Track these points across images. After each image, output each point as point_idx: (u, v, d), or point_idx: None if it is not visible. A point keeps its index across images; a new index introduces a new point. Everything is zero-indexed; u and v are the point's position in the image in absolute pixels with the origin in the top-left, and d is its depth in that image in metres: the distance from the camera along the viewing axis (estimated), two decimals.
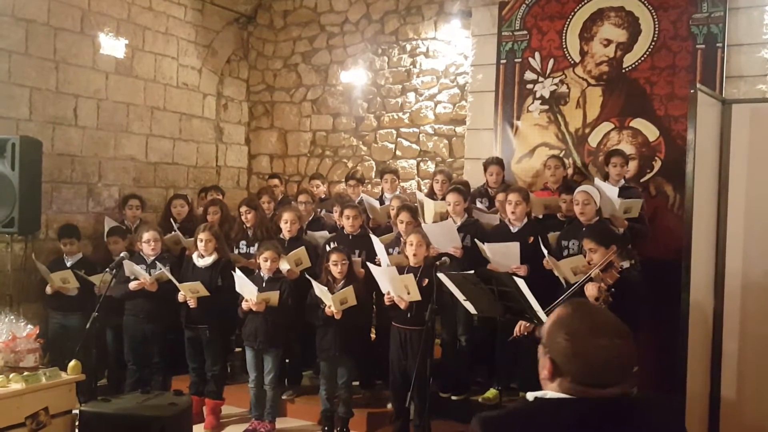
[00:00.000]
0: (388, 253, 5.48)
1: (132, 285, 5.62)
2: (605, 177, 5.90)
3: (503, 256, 5.13)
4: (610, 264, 4.13)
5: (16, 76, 6.17)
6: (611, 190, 5.42)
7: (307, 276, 5.33)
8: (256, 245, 5.83)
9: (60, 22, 6.53)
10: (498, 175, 6.27)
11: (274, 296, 5.31)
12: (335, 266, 5.24)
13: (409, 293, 4.84)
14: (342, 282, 5.24)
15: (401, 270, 5.11)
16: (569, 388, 1.64)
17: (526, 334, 4.26)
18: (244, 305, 5.33)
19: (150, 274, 5.62)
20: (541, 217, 5.80)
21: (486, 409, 5.34)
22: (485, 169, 6.32)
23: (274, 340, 5.41)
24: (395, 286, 4.90)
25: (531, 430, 1.66)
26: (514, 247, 5.08)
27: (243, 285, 5.30)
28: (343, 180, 7.55)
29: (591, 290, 4.00)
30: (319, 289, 5.12)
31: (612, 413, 1.63)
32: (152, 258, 5.78)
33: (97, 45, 6.88)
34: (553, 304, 3.92)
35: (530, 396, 1.71)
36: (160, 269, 5.62)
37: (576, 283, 4.31)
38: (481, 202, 6.28)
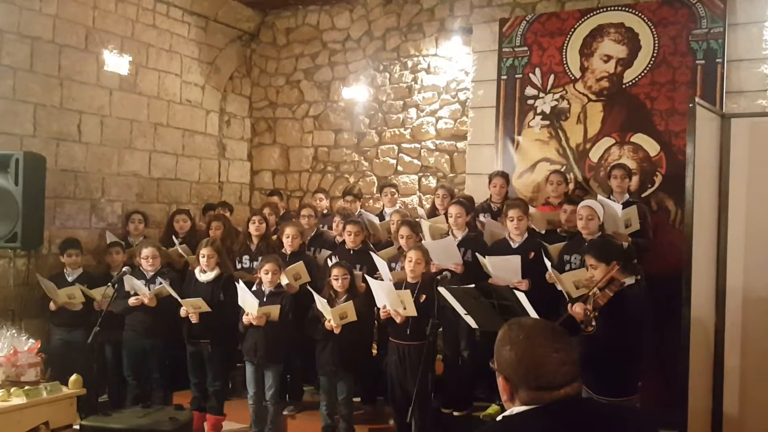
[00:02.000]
0: (391, 269, 5.49)
1: (131, 301, 5.63)
2: (608, 191, 5.92)
3: (504, 269, 5.12)
4: (612, 281, 4.09)
5: (21, 92, 6.22)
6: (615, 207, 5.43)
7: (309, 288, 5.33)
8: (260, 259, 5.84)
9: (65, 40, 6.59)
10: (502, 188, 6.28)
11: (274, 310, 5.30)
12: (336, 281, 5.25)
13: (405, 308, 4.83)
14: (344, 297, 5.25)
15: (401, 285, 5.12)
16: (527, 398, 1.74)
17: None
18: (245, 319, 5.33)
19: (150, 289, 5.63)
20: (543, 232, 5.79)
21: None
22: (489, 182, 6.34)
23: (275, 354, 5.40)
24: (391, 300, 4.90)
25: None
26: (515, 260, 5.07)
27: (244, 298, 5.30)
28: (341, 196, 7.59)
29: (577, 311, 3.97)
30: (320, 302, 5.12)
31: (569, 414, 1.72)
32: (152, 273, 5.80)
33: (101, 62, 6.94)
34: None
35: (499, 417, 1.81)
36: (160, 284, 5.63)
37: (575, 298, 4.30)
38: (485, 217, 6.28)
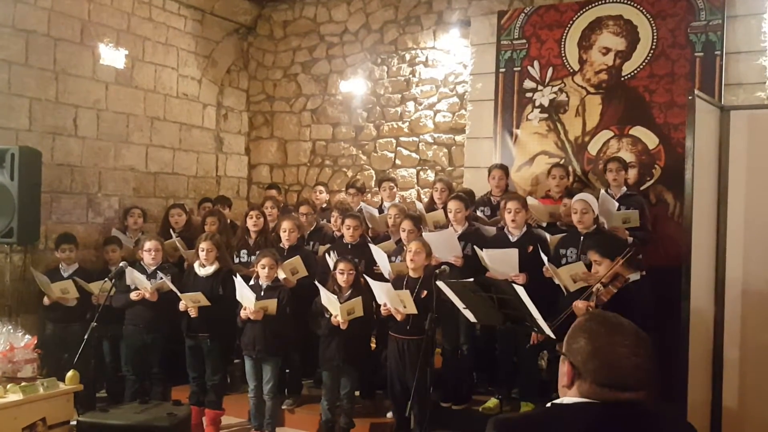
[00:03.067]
0: (390, 261, 5.46)
1: (133, 295, 5.61)
2: (606, 185, 5.89)
3: (502, 263, 5.11)
4: (616, 276, 4.06)
5: (16, 86, 6.18)
6: (611, 203, 5.40)
7: (317, 284, 5.30)
8: (257, 254, 5.81)
9: (60, 33, 6.55)
10: (501, 179, 6.25)
11: (272, 304, 5.29)
12: (341, 275, 5.21)
13: (405, 306, 4.82)
14: (348, 292, 5.22)
15: (402, 278, 5.10)
16: (588, 390, 1.66)
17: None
18: (242, 313, 5.31)
19: (150, 284, 5.61)
20: (544, 225, 5.77)
21: (487, 419, 5.29)
22: (489, 174, 6.31)
23: (273, 349, 5.39)
24: (391, 299, 4.88)
25: None
26: (513, 253, 5.05)
27: (242, 292, 5.29)
28: (344, 189, 7.56)
29: (580, 307, 3.94)
30: (327, 298, 5.09)
31: (626, 418, 1.64)
32: (153, 268, 5.78)
33: (97, 55, 6.89)
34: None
35: (549, 404, 1.73)
36: (161, 278, 5.61)
37: (576, 291, 4.28)
38: (483, 211, 6.27)
